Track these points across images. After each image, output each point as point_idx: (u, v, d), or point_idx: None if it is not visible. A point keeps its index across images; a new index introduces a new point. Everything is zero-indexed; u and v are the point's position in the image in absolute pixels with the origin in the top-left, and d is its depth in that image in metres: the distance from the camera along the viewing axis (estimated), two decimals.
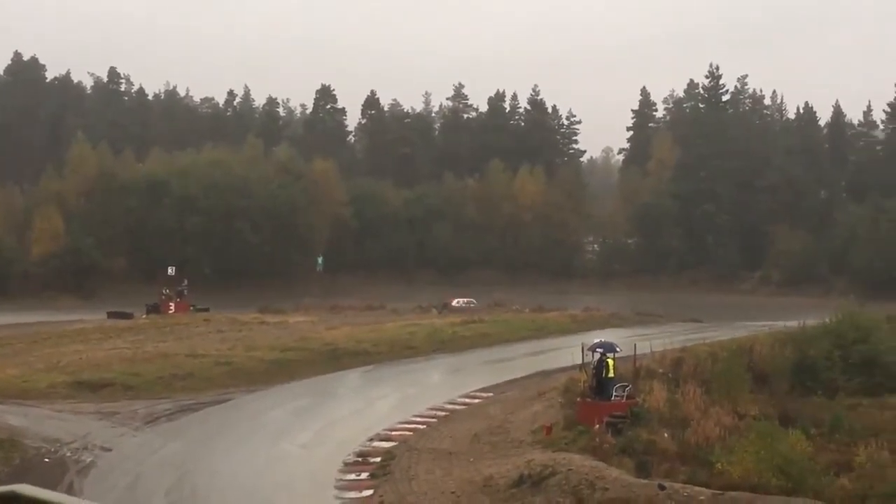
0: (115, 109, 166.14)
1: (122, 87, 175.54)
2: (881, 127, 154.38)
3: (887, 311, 63.87)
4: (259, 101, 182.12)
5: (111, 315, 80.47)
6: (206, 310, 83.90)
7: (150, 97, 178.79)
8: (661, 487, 27.85)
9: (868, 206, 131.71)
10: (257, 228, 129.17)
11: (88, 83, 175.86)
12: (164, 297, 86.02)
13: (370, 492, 31.78)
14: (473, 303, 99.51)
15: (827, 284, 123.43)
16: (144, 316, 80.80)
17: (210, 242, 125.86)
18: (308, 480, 33.55)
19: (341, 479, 33.34)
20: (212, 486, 32.23)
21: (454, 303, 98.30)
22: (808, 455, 31.53)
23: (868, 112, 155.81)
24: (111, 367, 52.05)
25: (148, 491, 31.42)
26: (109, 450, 36.30)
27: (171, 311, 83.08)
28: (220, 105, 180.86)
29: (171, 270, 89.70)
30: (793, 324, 55.57)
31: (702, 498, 26.98)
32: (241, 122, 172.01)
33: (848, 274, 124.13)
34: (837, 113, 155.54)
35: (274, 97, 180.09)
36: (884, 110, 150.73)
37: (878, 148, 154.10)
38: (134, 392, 47.26)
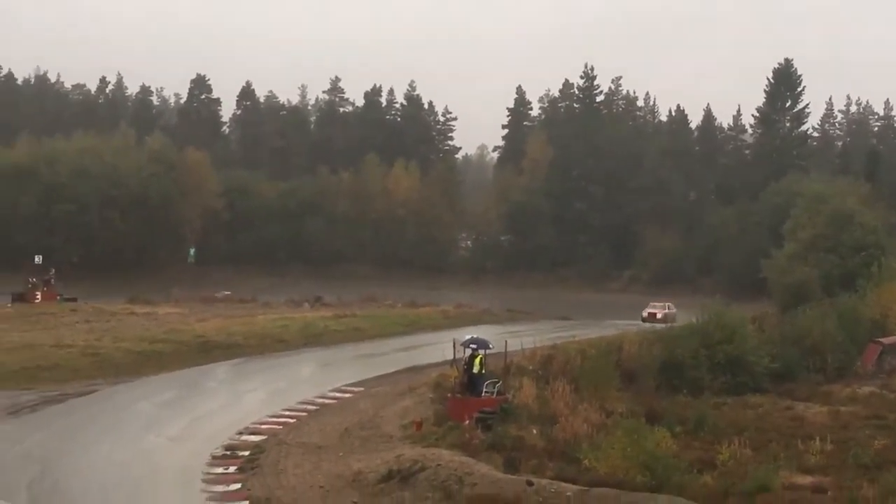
0: None
1: None
2: (749, 131, 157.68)
3: (751, 311, 65.22)
4: (132, 88, 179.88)
5: None
6: (74, 299, 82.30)
7: (19, 82, 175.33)
8: (529, 483, 28.04)
9: (735, 209, 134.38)
10: (128, 218, 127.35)
11: None
12: (30, 285, 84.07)
13: (238, 485, 31.50)
14: (671, 307, 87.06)
15: (694, 285, 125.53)
16: (9, 305, 78.88)
17: (79, 231, 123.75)
18: (175, 473, 33.11)
19: (209, 473, 32.97)
20: (76, 478, 31.63)
21: (647, 311, 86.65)
22: (673, 452, 31.99)
23: (738, 116, 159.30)
24: None
25: (8, 484, 30.64)
26: None
27: (37, 301, 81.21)
28: (92, 92, 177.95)
29: (37, 259, 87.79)
30: (661, 323, 56.43)
31: (568, 494, 27.21)
32: (113, 109, 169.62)
33: (715, 274, 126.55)
34: (708, 116, 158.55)
35: (147, 85, 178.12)
36: (752, 115, 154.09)
37: (746, 152, 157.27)
38: None
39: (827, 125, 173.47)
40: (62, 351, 53.61)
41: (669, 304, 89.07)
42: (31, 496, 29.65)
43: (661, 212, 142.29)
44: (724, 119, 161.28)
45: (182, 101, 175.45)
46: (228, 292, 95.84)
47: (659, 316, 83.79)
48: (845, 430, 38.95)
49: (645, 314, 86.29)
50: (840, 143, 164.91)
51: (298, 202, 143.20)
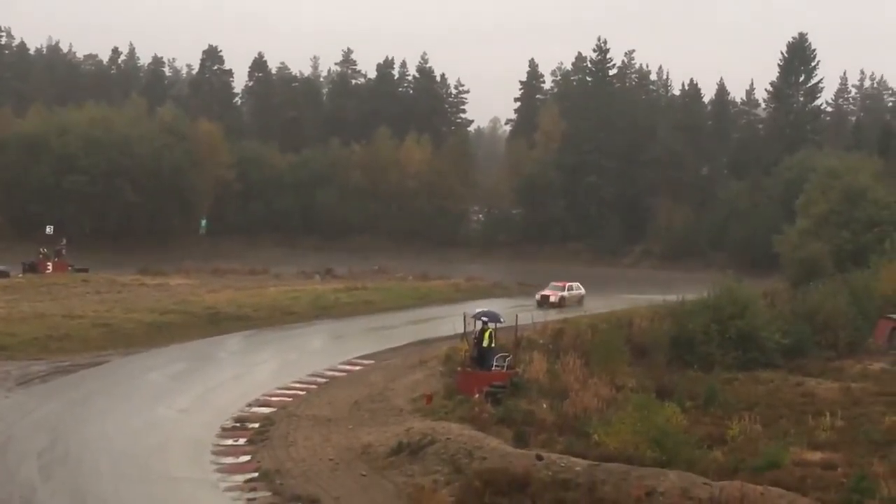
0: None
1: (3, 41, 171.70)
2: (763, 106, 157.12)
3: (763, 286, 65.09)
4: (144, 59, 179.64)
5: None
6: (85, 270, 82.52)
7: (31, 52, 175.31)
8: (539, 458, 28.02)
9: (748, 183, 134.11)
10: (139, 188, 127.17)
11: None
12: (41, 255, 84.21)
13: (247, 457, 31.59)
14: (577, 288, 79.09)
15: (706, 259, 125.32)
16: (21, 275, 79.04)
17: (90, 201, 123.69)
18: (185, 445, 33.18)
19: (219, 445, 33.08)
20: (86, 448, 31.73)
21: (541, 293, 76.45)
22: (683, 428, 31.95)
23: (751, 91, 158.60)
24: None
25: (19, 453, 30.81)
26: None
27: (48, 271, 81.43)
28: (104, 62, 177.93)
29: (49, 229, 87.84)
30: (672, 297, 56.26)
31: (578, 468, 27.19)
32: (125, 80, 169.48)
33: (727, 249, 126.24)
34: (721, 90, 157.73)
35: (160, 56, 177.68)
36: (766, 89, 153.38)
37: (760, 126, 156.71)
38: (7, 352, 46.27)
39: (841, 100, 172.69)
40: (73, 321, 53.74)
41: (574, 284, 79.86)
42: (41, 465, 29.78)
43: (674, 186, 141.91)
44: (737, 93, 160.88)
45: (194, 73, 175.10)
46: (376, 267, 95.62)
47: (553, 299, 75.20)
48: (856, 407, 38.82)
49: (538, 297, 76.37)
50: (854, 119, 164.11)
51: (310, 174, 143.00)
